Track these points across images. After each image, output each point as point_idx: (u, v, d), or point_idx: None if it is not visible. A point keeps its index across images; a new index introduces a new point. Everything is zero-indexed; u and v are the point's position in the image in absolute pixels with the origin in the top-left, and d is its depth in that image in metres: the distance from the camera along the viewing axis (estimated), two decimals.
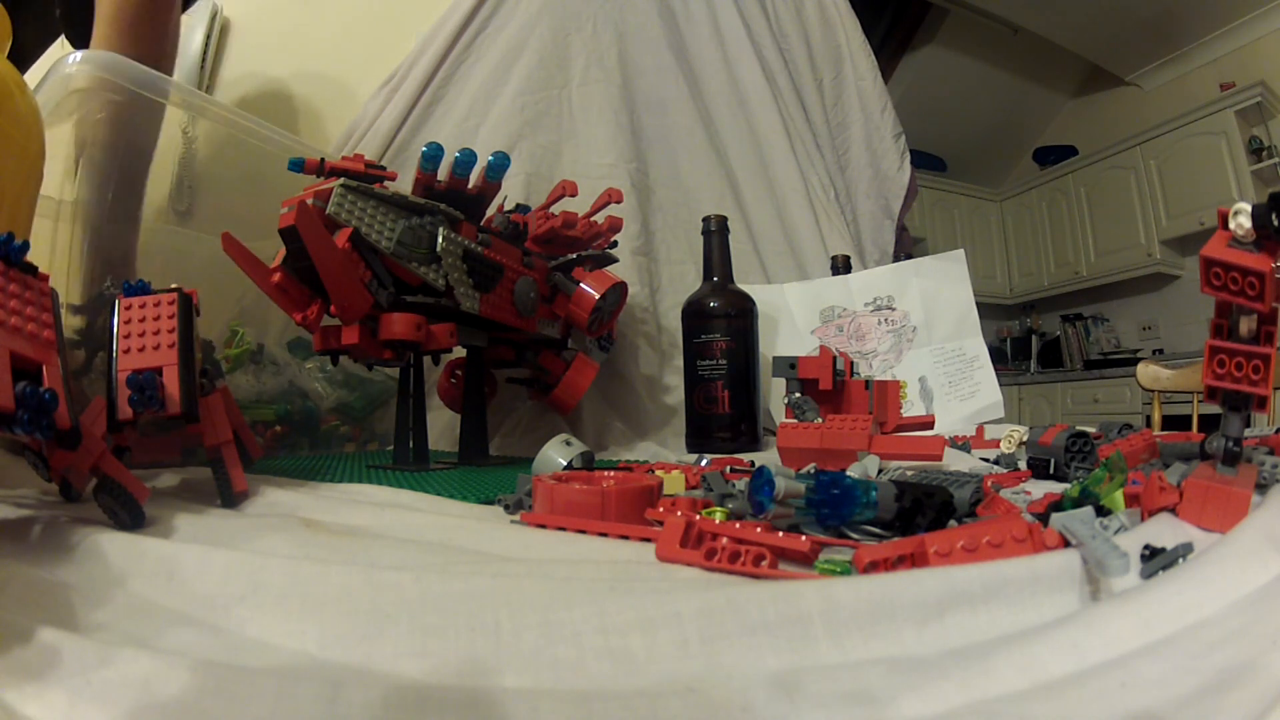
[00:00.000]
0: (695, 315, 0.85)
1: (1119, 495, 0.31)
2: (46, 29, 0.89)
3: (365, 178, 0.59)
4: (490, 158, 0.64)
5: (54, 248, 0.66)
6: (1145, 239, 3.09)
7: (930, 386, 0.93)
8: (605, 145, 1.02)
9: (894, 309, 0.96)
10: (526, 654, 0.21)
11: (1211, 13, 2.72)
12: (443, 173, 0.62)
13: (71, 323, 0.62)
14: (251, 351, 0.77)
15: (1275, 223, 0.29)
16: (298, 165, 0.60)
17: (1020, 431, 0.63)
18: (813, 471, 0.42)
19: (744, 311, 0.85)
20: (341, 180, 0.56)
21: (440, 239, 0.59)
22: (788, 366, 0.70)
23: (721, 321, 0.83)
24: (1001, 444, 0.63)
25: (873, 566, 0.26)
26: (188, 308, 0.41)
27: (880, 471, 0.48)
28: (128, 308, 0.40)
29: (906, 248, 1.24)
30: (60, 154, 0.65)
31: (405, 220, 0.58)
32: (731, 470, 0.53)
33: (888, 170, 1.21)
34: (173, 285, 0.42)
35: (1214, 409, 0.33)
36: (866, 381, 0.70)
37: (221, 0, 1.09)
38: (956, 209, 3.55)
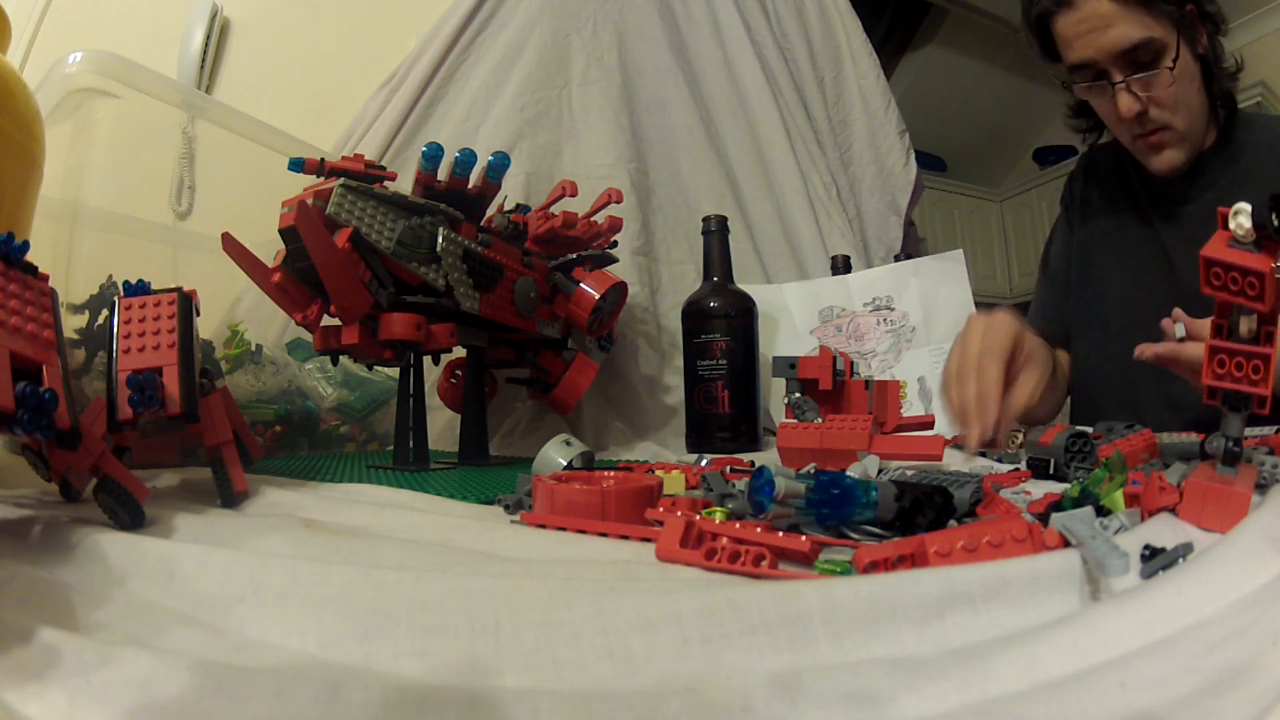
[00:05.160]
0: (695, 315, 0.85)
1: (1119, 495, 0.31)
2: None
3: (365, 178, 0.59)
4: (490, 158, 0.64)
5: (54, 248, 0.66)
6: None
7: (929, 386, 0.93)
8: (605, 145, 1.02)
9: (893, 309, 0.96)
10: (526, 654, 0.21)
11: None
12: (443, 173, 0.62)
13: (71, 323, 0.62)
14: (251, 351, 0.77)
15: (1275, 223, 0.29)
16: (298, 165, 0.60)
17: (1021, 432, 0.63)
18: (813, 471, 0.42)
19: (744, 311, 0.85)
20: (341, 180, 0.56)
21: (440, 239, 0.59)
22: (788, 366, 0.70)
23: (721, 321, 0.83)
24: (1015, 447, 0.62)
25: (873, 566, 0.26)
26: (188, 308, 0.41)
27: (880, 471, 0.48)
28: (128, 308, 0.40)
29: (913, 244, 1.24)
30: (60, 154, 0.65)
31: (405, 220, 0.58)
32: (731, 470, 0.53)
33: (893, 167, 1.21)
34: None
35: None
36: (866, 381, 0.70)
37: (221, 0, 1.09)
38: (956, 209, 3.54)
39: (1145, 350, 0.62)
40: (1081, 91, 0.84)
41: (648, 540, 0.32)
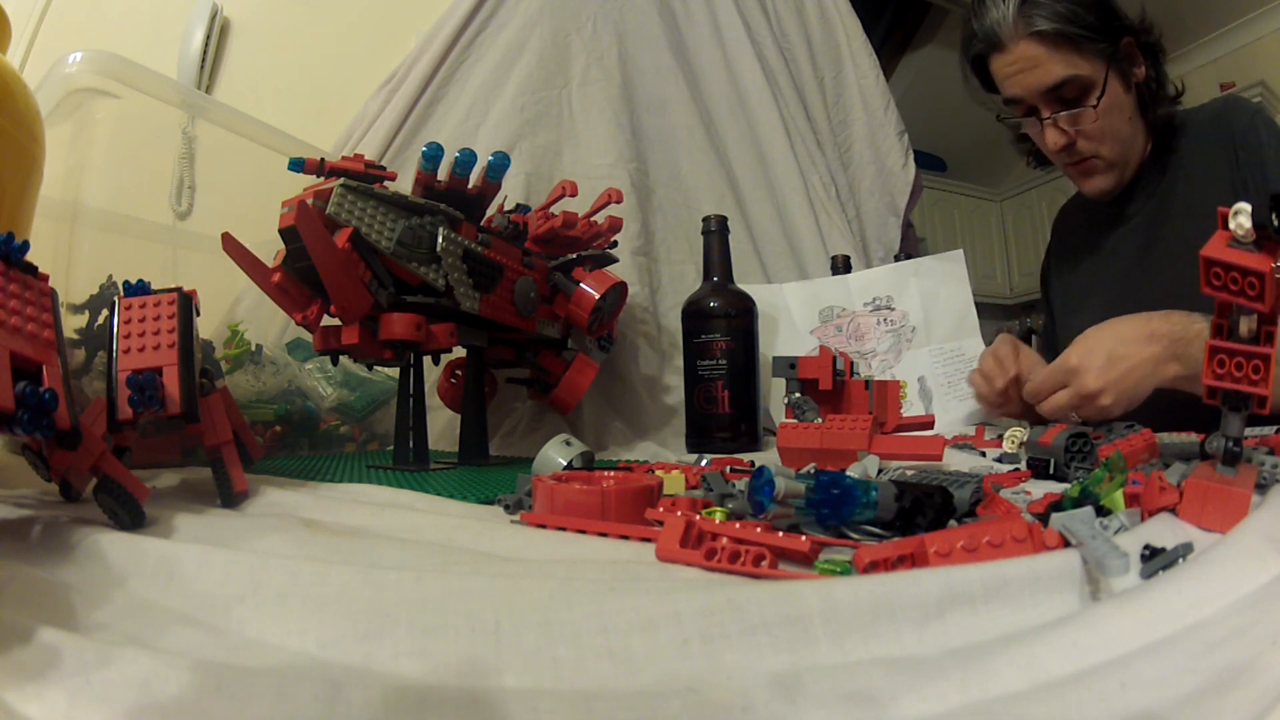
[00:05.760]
0: (695, 315, 0.85)
1: (1119, 495, 0.31)
2: None
3: (365, 178, 0.59)
4: (490, 158, 0.64)
5: (54, 248, 0.66)
6: None
7: (929, 386, 0.93)
8: (605, 145, 1.02)
9: (893, 309, 0.96)
10: (526, 654, 0.21)
11: (1211, 13, 2.72)
12: (443, 173, 0.62)
13: (71, 323, 0.62)
14: (251, 351, 0.77)
15: (1275, 223, 0.29)
16: (298, 165, 0.60)
17: (1022, 431, 0.63)
18: (813, 471, 0.42)
19: (744, 311, 0.85)
20: (341, 180, 0.56)
21: (440, 239, 0.59)
22: (788, 366, 0.70)
23: (721, 321, 0.83)
24: (1004, 444, 0.63)
25: (873, 566, 0.26)
26: (188, 308, 0.41)
27: (880, 471, 0.48)
28: (128, 308, 0.40)
29: (912, 244, 1.24)
30: (60, 154, 0.65)
31: (405, 220, 0.58)
32: (731, 470, 0.53)
33: (892, 167, 1.21)
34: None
35: None
36: (866, 381, 0.70)
37: (221, 0, 1.09)
38: (956, 209, 3.54)
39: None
40: (1013, 123, 0.89)
41: (648, 540, 0.32)
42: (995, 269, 3.59)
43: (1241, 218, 0.29)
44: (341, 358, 0.65)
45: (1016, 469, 0.53)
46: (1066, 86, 0.80)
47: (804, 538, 0.28)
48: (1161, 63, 0.85)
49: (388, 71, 1.05)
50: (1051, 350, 1.05)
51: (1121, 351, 0.65)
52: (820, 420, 0.60)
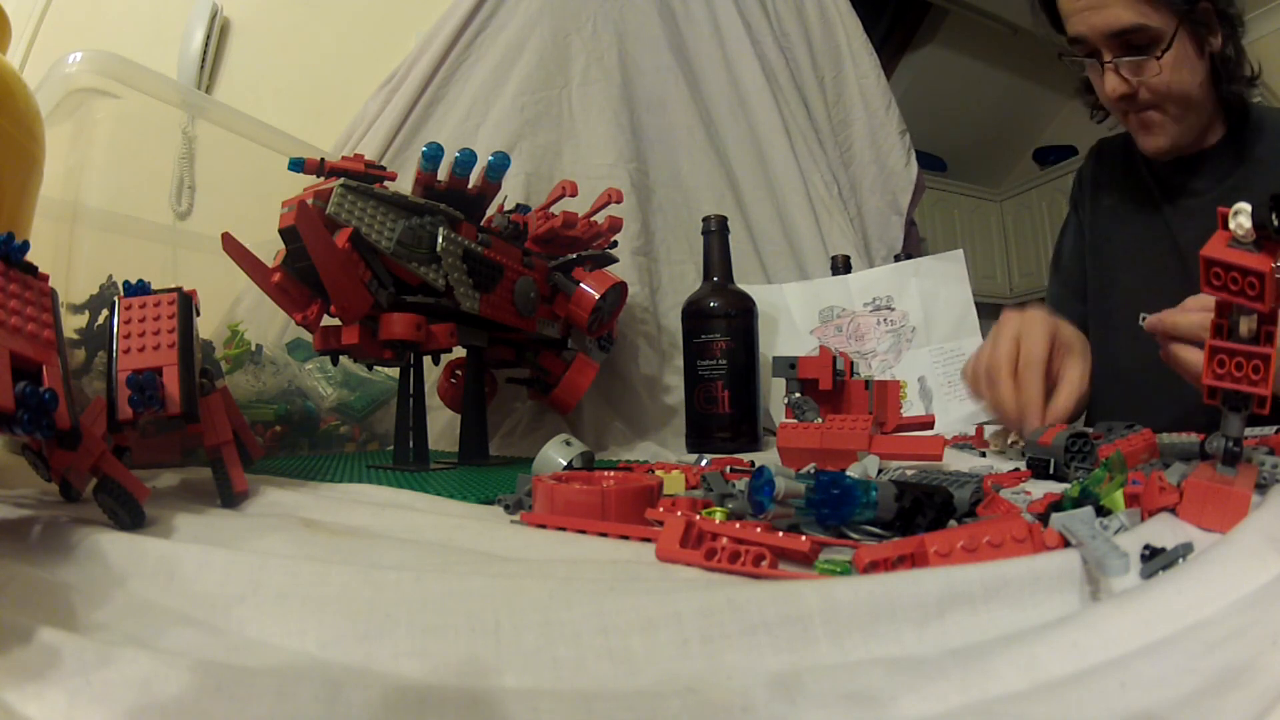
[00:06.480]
0: (695, 315, 0.85)
1: (1119, 495, 0.31)
2: None
3: (365, 178, 0.59)
4: (490, 158, 0.64)
5: (54, 248, 0.66)
6: None
7: (929, 386, 0.93)
8: (605, 145, 1.02)
9: (893, 309, 0.96)
10: (526, 654, 0.21)
11: None
12: (443, 173, 0.62)
13: (71, 323, 0.62)
14: (251, 351, 0.77)
15: (1275, 223, 0.29)
16: (298, 165, 0.60)
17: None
18: (813, 471, 0.42)
19: (744, 311, 0.85)
20: (341, 180, 0.56)
21: (440, 239, 0.59)
22: (788, 366, 0.70)
23: (721, 321, 0.83)
24: (991, 442, 0.63)
25: (873, 566, 0.26)
26: (188, 308, 0.41)
27: (880, 471, 0.48)
28: (128, 308, 0.40)
29: (914, 243, 1.23)
30: (60, 154, 0.65)
31: (405, 220, 0.58)
32: (731, 470, 0.53)
33: (894, 166, 1.21)
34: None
35: None
36: (866, 381, 0.70)
37: (221, 0, 1.09)
38: (956, 209, 3.54)
39: (1149, 320, 0.59)
40: (1075, 64, 0.84)
41: (648, 540, 0.32)
42: (995, 269, 3.58)
43: (1241, 218, 0.29)
44: (341, 358, 0.65)
45: (1016, 469, 0.53)
46: (1134, 34, 0.76)
47: (804, 538, 0.28)
48: (1239, 37, 0.81)
49: (388, 71, 1.05)
50: (1065, 286, 0.99)
51: None
52: (820, 420, 0.60)
